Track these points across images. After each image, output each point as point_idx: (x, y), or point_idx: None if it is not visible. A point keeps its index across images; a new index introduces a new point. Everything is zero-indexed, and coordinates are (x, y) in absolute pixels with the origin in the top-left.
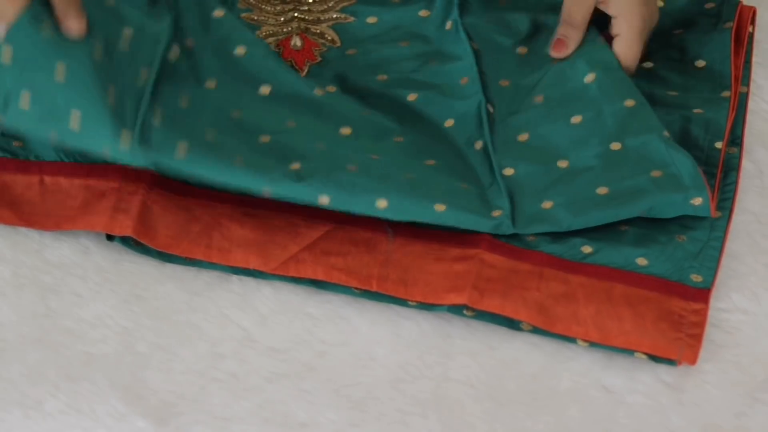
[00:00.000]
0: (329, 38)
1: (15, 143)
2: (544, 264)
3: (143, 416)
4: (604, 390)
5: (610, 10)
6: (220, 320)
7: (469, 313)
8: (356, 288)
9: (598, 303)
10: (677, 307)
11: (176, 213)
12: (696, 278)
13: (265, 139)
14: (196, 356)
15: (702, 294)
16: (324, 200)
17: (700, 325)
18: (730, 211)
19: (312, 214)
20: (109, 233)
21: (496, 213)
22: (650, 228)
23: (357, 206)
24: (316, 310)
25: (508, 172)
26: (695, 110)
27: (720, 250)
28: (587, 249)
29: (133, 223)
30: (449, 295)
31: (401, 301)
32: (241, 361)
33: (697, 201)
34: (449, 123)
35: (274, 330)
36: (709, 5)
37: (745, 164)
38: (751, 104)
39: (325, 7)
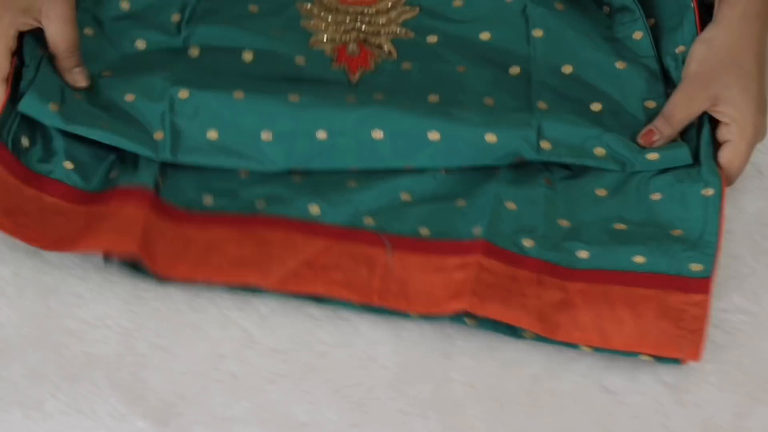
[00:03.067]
0: (387, 50)
1: (23, 140)
2: (542, 271)
3: (143, 416)
4: (604, 391)
5: (722, 116)
6: (220, 321)
7: (470, 322)
8: (357, 302)
9: (597, 307)
10: (677, 301)
11: (172, 239)
12: (695, 267)
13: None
14: (197, 357)
15: (702, 284)
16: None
17: (702, 318)
18: (721, 188)
19: (309, 229)
20: (110, 252)
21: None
22: (645, 225)
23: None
24: (317, 311)
25: None
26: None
27: (717, 234)
28: (583, 254)
29: (137, 243)
30: (449, 302)
31: (402, 314)
32: (242, 361)
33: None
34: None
35: (274, 330)
36: None
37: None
38: None
39: (387, 19)
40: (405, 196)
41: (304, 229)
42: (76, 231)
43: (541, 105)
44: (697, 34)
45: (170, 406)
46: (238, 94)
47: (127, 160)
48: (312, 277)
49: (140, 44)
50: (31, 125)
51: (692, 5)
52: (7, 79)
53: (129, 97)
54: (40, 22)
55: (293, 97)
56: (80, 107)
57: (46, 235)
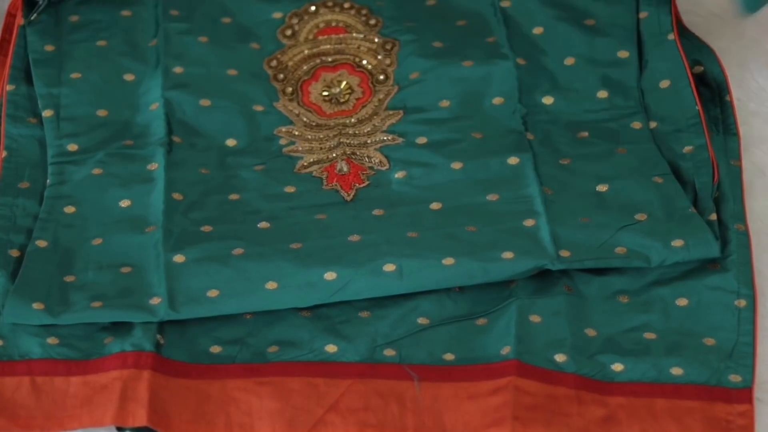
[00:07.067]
0: (377, 160)
1: None
2: (579, 387)
3: None
4: None
5: None
6: None
7: None
8: None
9: (642, 422)
10: (722, 412)
11: (185, 395)
12: (735, 378)
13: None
14: None
15: (744, 394)
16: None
17: (749, 428)
18: (754, 299)
19: (329, 371)
20: (120, 426)
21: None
22: (676, 334)
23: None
24: None
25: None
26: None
27: (752, 345)
28: (618, 367)
29: (146, 411)
30: (490, 431)
31: None
32: None
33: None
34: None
35: None
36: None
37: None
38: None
39: (372, 127)
40: (422, 321)
41: (323, 372)
42: (77, 405)
43: (547, 190)
44: (705, 139)
45: None
46: (237, 251)
47: (120, 322)
48: (342, 422)
49: (124, 203)
50: None
51: (697, 108)
52: None
53: (125, 270)
54: None
55: (295, 246)
56: (66, 295)
57: (48, 418)
